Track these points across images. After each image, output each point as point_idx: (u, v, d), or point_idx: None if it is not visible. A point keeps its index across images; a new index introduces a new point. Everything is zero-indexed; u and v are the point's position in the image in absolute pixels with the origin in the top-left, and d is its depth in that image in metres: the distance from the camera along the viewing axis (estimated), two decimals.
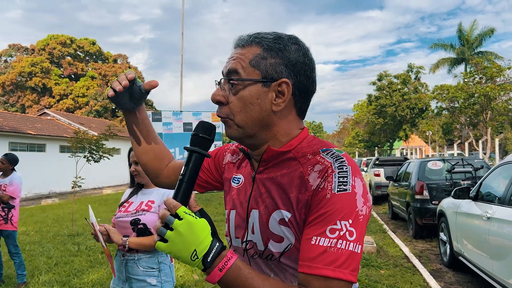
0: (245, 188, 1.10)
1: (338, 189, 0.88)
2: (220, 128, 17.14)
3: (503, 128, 25.36)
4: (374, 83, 32.57)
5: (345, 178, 0.89)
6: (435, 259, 6.20)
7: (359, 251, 0.86)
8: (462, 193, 4.99)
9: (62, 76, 43.80)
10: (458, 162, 7.77)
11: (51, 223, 10.25)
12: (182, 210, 0.87)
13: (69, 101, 42.02)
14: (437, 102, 23.25)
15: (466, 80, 20.92)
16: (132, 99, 1.21)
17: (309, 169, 0.94)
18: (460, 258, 5.14)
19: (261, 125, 1.00)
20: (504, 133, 21.66)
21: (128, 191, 2.62)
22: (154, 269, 2.32)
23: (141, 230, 2.34)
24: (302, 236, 0.91)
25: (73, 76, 44.77)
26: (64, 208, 13.70)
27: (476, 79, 20.26)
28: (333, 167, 0.91)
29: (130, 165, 2.52)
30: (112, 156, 9.51)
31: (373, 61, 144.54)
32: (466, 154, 19.88)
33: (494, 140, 18.90)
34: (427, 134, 35.35)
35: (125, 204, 2.48)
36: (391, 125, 32.48)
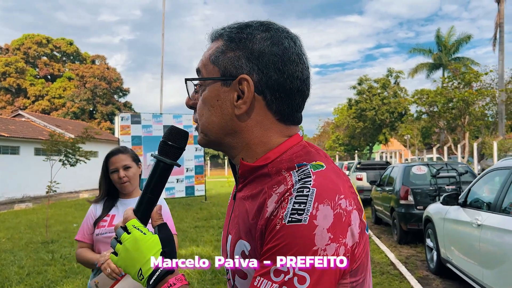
0: (230, 207, 0.94)
1: (290, 218, 0.67)
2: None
3: (480, 132, 25.87)
4: (354, 87, 32.84)
5: (302, 205, 0.68)
6: (422, 265, 6.13)
7: None
8: (451, 199, 4.92)
9: (38, 76, 42.74)
10: (442, 167, 7.76)
11: (24, 229, 9.81)
12: (131, 223, 0.82)
13: (45, 102, 41.02)
14: (417, 106, 23.55)
15: (445, 85, 21.25)
16: None
17: (274, 189, 0.75)
18: (448, 265, 5.07)
19: (225, 132, 0.84)
20: (481, 138, 22.07)
21: (98, 206, 2.28)
22: None
23: None
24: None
25: (49, 76, 43.73)
26: (38, 213, 13.19)
27: (454, 84, 20.60)
28: (293, 189, 0.71)
29: (109, 172, 2.25)
30: (89, 159, 9.19)
31: (353, 66, 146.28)
32: (445, 158, 20.15)
33: (472, 144, 19.22)
34: (405, 138, 35.83)
35: (105, 218, 2.22)
36: (371, 129, 32.76)
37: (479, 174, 6.84)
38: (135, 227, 0.80)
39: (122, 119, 13.76)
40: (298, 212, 0.67)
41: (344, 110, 35.68)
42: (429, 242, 5.88)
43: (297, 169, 0.76)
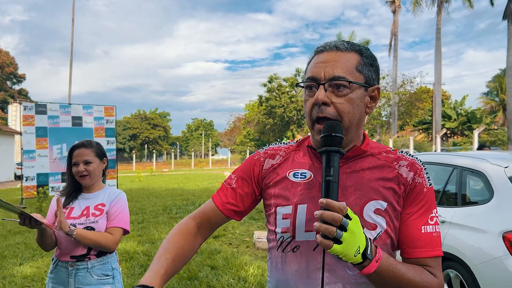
0: (317, 182, 1.12)
1: (429, 183, 1.10)
2: (113, 123, 16.24)
3: (375, 131, 28.50)
4: (265, 85, 33.94)
5: (428, 174, 1.11)
6: None
7: None
8: None
9: None
10: None
11: None
12: (349, 210, 0.92)
13: None
14: None
15: None
16: None
17: (394, 164, 1.11)
18: None
19: (357, 125, 1.11)
20: (378, 136, 24.35)
21: (62, 198, 2.30)
22: (109, 276, 2.16)
23: None
24: (407, 225, 1.08)
25: None
26: None
27: None
28: (420, 165, 1.11)
29: (71, 165, 2.25)
30: None
31: (262, 63, 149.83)
32: None
33: None
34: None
35: (63, 210, 2.21)
36: (280, 125, 34.21)
37: None
38: (352, 212, 0.93)
39: (25, 109, 12.70)
40: (429, 179, 1.11)
41: (255, 106, 36.68)
42: None
43: (399, 151, 1.16)
